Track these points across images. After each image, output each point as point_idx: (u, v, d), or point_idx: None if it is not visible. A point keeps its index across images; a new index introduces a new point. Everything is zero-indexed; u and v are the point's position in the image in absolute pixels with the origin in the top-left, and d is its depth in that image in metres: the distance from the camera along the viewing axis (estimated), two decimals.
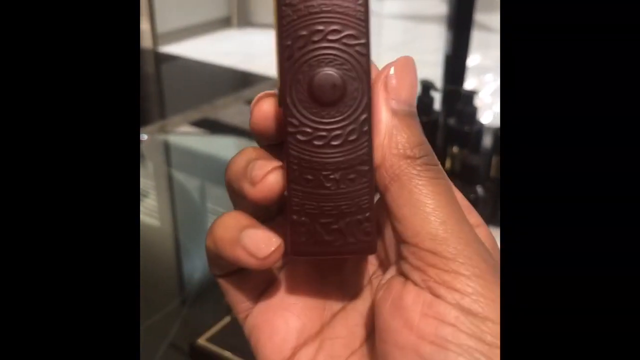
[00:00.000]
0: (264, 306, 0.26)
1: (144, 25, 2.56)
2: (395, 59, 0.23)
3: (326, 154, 0.22)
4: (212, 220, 0.26)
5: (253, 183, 0.22)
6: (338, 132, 0.22)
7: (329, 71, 0.21)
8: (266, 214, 0.25)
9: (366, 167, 0.22)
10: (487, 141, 0.88)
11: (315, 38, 0.21)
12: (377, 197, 0.23)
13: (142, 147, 1.12)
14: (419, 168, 0.21)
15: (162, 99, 1.51)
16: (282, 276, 0.26)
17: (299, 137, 0.22)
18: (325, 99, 0.22)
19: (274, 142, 0.24)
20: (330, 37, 0.21)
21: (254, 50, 2.72)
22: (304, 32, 0.21)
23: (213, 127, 1.24)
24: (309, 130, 0.22)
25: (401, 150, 0.22)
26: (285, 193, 0.22)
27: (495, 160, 0.80)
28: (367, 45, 0.22)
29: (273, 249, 0.23)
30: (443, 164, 0.76)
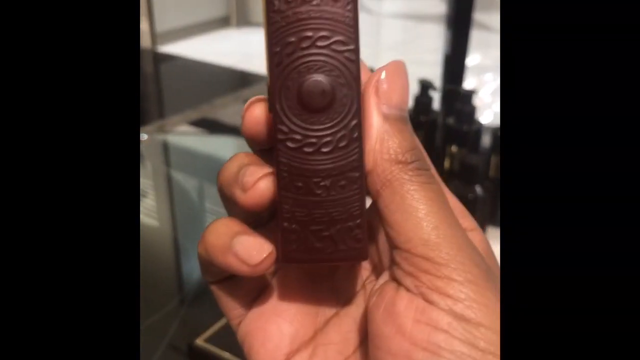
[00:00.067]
0: (256, 312, 0.26)
1: (143, 25, 2.56)
2: (394, 58, 0.23)
3: (316, 161, 0.22)
4: (211, 220, 0.26)
5: (244, 189, 0.22)
6: (328, 138, 0.22)
7: (318, 78, 0.21)
8: (258, 219, 0.25)
9: (357, 174, 0.22)
10: (486, 141, 0.88)
11: (304, 44, 0.21)
12: (369, 202, 0.23)
13: (141, 147, 1.12)
14: (410, 173, 0.21)
15: (161, 98, 1.50)
16: (274, 282, 0.26)
17: (289, 144, 0.22)
18: (315, 106, 0.21)
19: (266, 147, 0.24)
20: (319, 44, 0.21)
21: (252, 49, 2.72)
22: (293, 39, 0.21)
23: (212, 126, 1.24)
24: (298, 137, 0.22)
25: (393, 156, 0.21)
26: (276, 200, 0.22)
27: (494, 160, 0.80)
28: (356, 51, 0.21)
29: (265, 255, 0.22)
30: (442, 164, 0.77)
